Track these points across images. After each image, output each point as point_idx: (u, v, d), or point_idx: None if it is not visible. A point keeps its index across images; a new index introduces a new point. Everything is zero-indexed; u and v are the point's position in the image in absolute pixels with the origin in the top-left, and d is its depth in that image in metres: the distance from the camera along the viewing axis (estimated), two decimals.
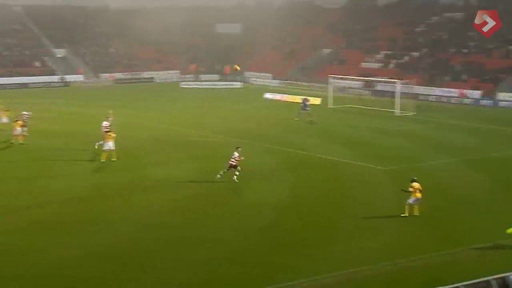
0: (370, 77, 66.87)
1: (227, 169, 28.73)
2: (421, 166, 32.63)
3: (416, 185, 24.01)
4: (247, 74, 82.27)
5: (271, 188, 28.22)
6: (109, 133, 33.18)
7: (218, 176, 28.78)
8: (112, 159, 32.79)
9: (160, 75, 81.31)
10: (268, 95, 64.32)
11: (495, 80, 61.40)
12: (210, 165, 32.78)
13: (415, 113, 51.77)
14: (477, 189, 27.88)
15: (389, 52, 75.03)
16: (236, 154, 28.80)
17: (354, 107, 53.66)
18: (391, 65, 72.37)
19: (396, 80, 56.08)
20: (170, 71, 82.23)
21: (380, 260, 19.78)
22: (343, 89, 68.37)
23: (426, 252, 20.39)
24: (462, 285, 16.76)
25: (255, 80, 79.53)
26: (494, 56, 65.82)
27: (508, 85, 59.95)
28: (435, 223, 23.55)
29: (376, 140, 40.21)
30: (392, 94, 56.77)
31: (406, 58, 72.39)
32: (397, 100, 52.32)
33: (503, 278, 17.39)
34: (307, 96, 52.39)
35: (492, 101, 58.29)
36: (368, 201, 26.23)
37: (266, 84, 76.75)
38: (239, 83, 76.64)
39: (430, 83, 62.83)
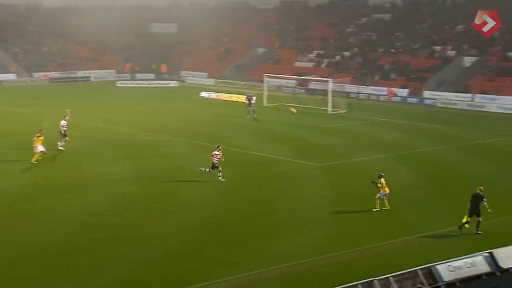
0: (303, 76, 67.70)
1: (212, 169, 28.67)
2: (353, 162, 33.37)
3: (383, 180, 24.69)
4: (183, 73, 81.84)
5: (208, 186, 28.24)
6: (39, 137, 32.25)
7: (202, 169, 28.84)
8: (33, 161, 31.72)
9: (96, 74, 79.89)
10: (204, 94, 64.19)
11: (421, 79, 63.28)
12: (147, 164, 32.51)
13: (346, 110, 52.80)
14: (405, 183, 28.73)
15: (321, 51, 76.15)
16: (216, 152, 28.89)
17: (289, 105, 54.19)
18: (324, 64, 73.47)
19: (328, 79, 56.99)
20: (106, 70, 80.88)
21: (315, 254, 20.15)
22: (278, 87, 68.95)
23: (358, 245, 20.90)
24: (391, 276, 17.29)
25: (191, 79, 79.21)
26: (419, 56, 67.78)
27: (433, 84, 61.88)
28: (366, 216, 24.15)
29: (310, 137, 40.79)
30: (325, 92, 57.64)
31: (338, 57, 73.65)
32: (330, 98, 53.23)
33: (429, 268, 18.07)
34: (251, 94, 52.39)
35: (418, 99, 60.04)
36: (304, 196, 26.65)
37: (202, 83, 76.51)
38: (175, 82, 76.19)
39: (361, 81, 64.11)
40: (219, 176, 28.77)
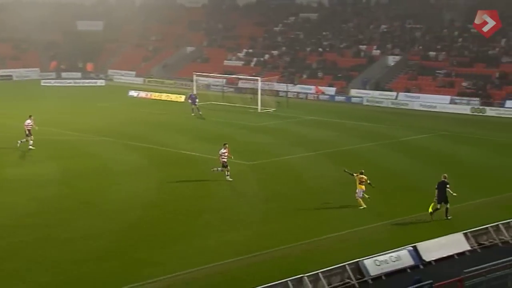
0: (232, 74, 67.80)
1: (222, 168, 28.73)
2: (282, 160, 33.74)
3: (363, 177, 25.22)
4: (110, 72, 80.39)
5: (137, 186, 27.93)
6: None
7: (214, 169, 29.04)
8: None
9: (18, 73, 77.21)
10: (132, 93, 63.32)
11: (348, 78, 64.53)
12: (74, 164, 31.83)
13: (275, 109, 53.29)
14: (332, 181, 29.28)
15: (250, 50, 76.46)
16: (223, 150, 29.01)
17: (219, 104, 54.20)
18: (253, 63, 73.78)
19: (257, 78, 57.30)
20: (30, 69, 78.29)
21: (246, 252, 20.26)
22: (207, 86, 68.76)
23: (288, 242, 21.16)
24: (320, 272, 17.60)
25: (118, 78, 77.92)
26: (346, 55, 69.09)
27: (359, 82, 63.21)
28: (295, 214, 24.48)
29: (240, 136, 40.96)
30: (254, 91, 57.91)
31: (267, 56, 74.13)
32: (259, 97, 53.57)
33: (356, 263, 18.51)
34: (194, 93, 52.27)
35: (345, 97, 61.22)
36: (234, 195, 26.74)
37: (130, 82, 75.37)
38: (102, 81, 74.78)
39: (289, 80, 64.76)
40: (227, 175, 28.69)
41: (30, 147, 34.99)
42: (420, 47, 64.96)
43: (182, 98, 59.93)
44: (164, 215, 24.21)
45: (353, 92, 61.77)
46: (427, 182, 29.14)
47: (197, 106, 49.37)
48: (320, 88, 63.82)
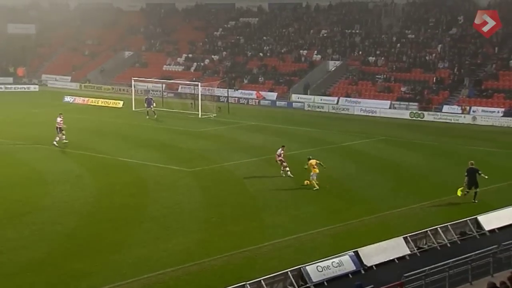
0: (172, 79, 67.40)
1: (282, 169, 30.78)
2: (224, 166, 33.74)
3: (313, 161, 28.42)
4: (44, 76, 78.67)
5: (73, 195, 27.39)
6: None
7: (288, 173, 30.74)
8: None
9: None
10: (68, 99, 62.11)
11: (289, 83, 65.11)
12: (4, 173, 30.95)
13: (216, 114, 53.30)
14: (273, 186, 29.47)
15: (190, 55, 76.21)
16: (280, 150, 31.27)
17: (158, 110, 53.76)
18: (192, 68, 73.54)
19: (197, 83, 57.17)
20: None
21: (186, 261, 20.12)
22: (146, 92, 68.08)
23: (229, 250, 21.13)
24: (262, 279, 17.64)
25: (52, 83, 76.31)
26: (287, 60, 69.71)
27: (300, 87, 63.87)
28: (237, 221, 24.51)
29: (180, 142, 40.74)
30: (194, 96, 57.76)
31: (207, 61, 74.05)
32: (199, 103, 53.44)
33: (299, 269, 18.66)
34: (151, 96, 52.51)
35: (286, 103, 61.75)
36: (175, 203, 26.55)
37: (65, 87, 74.00)
38: (35, 86, 73.11)
39: (230, 85, 64.85)
40: (288, 172, 30.72)
41: (65, 141, 38.97)
42: (360, 53, 66.23)
43: (120, 104, 59.14)
44: (101, 224, 23.79)
45: (294, 97, 62.38)
46: (367, 186, 29.69)
47: (153, 109, 50.05)
48: (261, 93, 64.20)
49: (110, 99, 61.80)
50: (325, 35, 71.19)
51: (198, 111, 53.05)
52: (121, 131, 44.90)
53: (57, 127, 39.07)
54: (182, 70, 73.89)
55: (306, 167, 28.80)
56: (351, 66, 65.20)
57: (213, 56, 74.43)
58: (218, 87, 64.31)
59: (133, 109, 55.04)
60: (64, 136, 39.05)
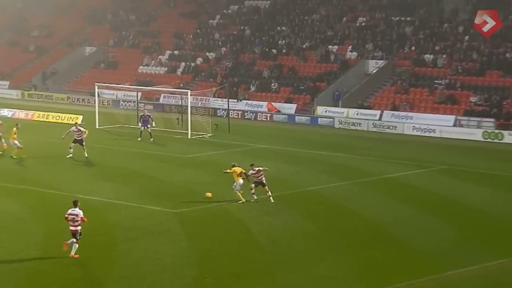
0: (151, 85, 67.85)
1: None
2: (220, 206, 33.83)
3: (237, 169, 31.77)
4: None
5: (13, 246, 27.57)
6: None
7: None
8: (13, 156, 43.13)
9: None
10: (5, 112, 62.59)
11: (313, 90, 65.21)
12: None
13: (212, 134, 53.49)
14: (290, 233, 29.56)
15: (176, 52, 76.77)
16: (252, 171, 34.43)
17: (131, 128, 54.06)
18: (180, 70, 74.03)
19: (186, 90, 57.52)
20: None
21: None
22: (115, 102, 68.64)
23: None
24: None
25: None
26: (310, 58, 69.97)
27: (328, 97, 63.92)
28: (237, 282, 24.62)
29: (162, 172, 40.90)
30: (181, 109, 58.07)
31: (199, 60, 74.51)
32: (189, 118, 53.71)
33: None
34: (147, 112, 53.42)
35: (309, 118, 61.86)
36: (154, 256, 26.62)
37: (1, 95, 74.64)
38: None
39: (231, 94, 65.09)
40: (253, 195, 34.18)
41: (85, 154, 44.57)
42: (412, 48, 66.39)
43: (78, 120, 59.50)
44: (51, 285, 23.95)
45: (320, 110, 62.56)
46: (420, 235, 29.73)
47: (150, 130, 50.87)
48: (274, 105, 64.46)
49: (64, 112, 62.20)
50: (363, 24, 71.54)
51: (187, 130, 53.30)
52: (80, 157, 45.13)
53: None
54: (165, 73, 74.45)
55: (227, 171, 32.47)
56: (400, 67, 65.40)
57: (207, 54, 74.98)
58: (214, 97, 64.67)
59: (97, 126, 55.34)
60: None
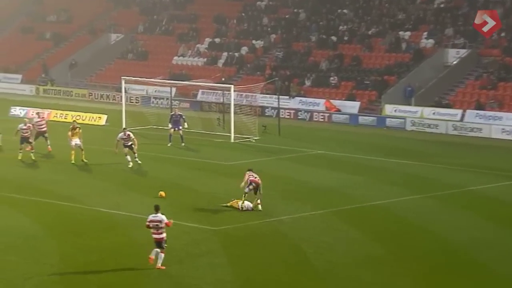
0: (187, 80, 68.06)
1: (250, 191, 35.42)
2: (267, 223, 33.78)
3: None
4: None
5: (24, 270, 27.83)
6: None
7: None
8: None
9: None
10: (17, 111, 63.23)
11: (380, 86, 64.93)
12: None
13: (258, 137, 53.48)
14: (353, 258, 29.43)
15: (216, 39, 76.96)
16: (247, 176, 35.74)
17: (164, 129, 54.29)
18: (221, 61, 74.22)
19: (229, 86, 57.60)
20: None
21: None
22: (145, 100, 68.96)
23: None
24: None
25: None
26: (376, 47, 69.65)
27: (397, 94, 63.60)
28: None
29: (198, 183, 40.96)
30: (223, 107, 58.12)
31: (244, 50, 74.62)
32: (232, 118, 53.77)
33: None
34: (178, 110, 53.62)
35: (375, 118, 61.62)
36: (190, 282, 26.70)
37: (12, 91, 75.47)
38: None
39: (282, 89, 65.06)
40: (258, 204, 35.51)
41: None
42: (502, 34, 65.76)
43: (102, 120, 59.99)
44: None
45: (389, 109, 62.32)
46: (507, 261, 29.34)
47: (182, 132, 51.04)
48: (334, 102, 64.32)
49: (85, 111, 62.66)
50: (442, 5, 71.07)
51: (230, 132, 53.38)
52: (102, 165, 45.39)
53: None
54: (204, 65, 74.73)
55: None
56: (486, 57, 64.87)
57: (254, 42, 75.08)
58: (262, 93, 64.63)
59: (123, 127, 55.64)
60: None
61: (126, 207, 35.96)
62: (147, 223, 27.88)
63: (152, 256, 27.53)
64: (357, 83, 66.35)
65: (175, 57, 76.62)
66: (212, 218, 34.31)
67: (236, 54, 74.07)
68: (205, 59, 75.24)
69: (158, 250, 27.45)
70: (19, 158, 45.96)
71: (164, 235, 27.61)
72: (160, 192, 36.98)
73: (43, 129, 48.20)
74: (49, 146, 47.47)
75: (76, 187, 39.65)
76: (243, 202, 35.32)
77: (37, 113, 51.57)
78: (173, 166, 45.37)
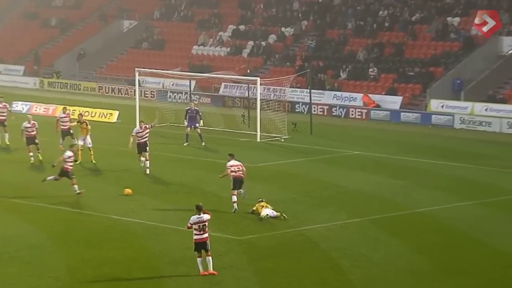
0: (209, 71, 68.14)
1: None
2: (299, 232, 33.75)
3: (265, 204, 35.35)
4: None
5: (27, 283, 27.97)
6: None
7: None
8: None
9: None
10: (19, 106, 63.51)
11: (425, 78, 64.71)
12: None
13: (288, 136, 53.45)
14: (394, 270, 29.40)
15: (241, 27, 76.99)
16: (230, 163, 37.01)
17: (181, 127, 54.35)
18: (246, 51, 74.23)
19: (254, 78, 57.60)
20: None
21: None
22: (161, 94, 69.03)
23: None
24: None
25: None
26: (421, 35, 69.36)
27: (445, 87, 63.43)
28: None
29: (220, 187, 40.77)
30: (249, 102, 58.14)
31: (272, 38, 74.62)
32: (258, 114, 53.76)
33: None
34: (194, 104, 54.01)
35: (419, 115, 61.47)
36: None
37: (14, 84, 75.84)
38: None
39: (315, 83, 65.03)
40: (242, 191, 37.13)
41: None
42: None
43: (113, 116, 60.15)
44: None
45: (435, 104, 62.16)
46: None
47: (200, 130, 51.40)
48: (372, 97, 64.22)
49: (95, 107, 62.85)
50: None
51: (256, 131, 53.41)
52: (113, 166, 45.52)
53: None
54: (227, 55, 74.78)
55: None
56: None
57: (283, 30, 75.01)
58: (292, 87, 64.60)
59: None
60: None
61: (140, 215, 36.03)
62: (189, 225, 28.38)
63: (202, 269, 27.95)
64: (399, 76, 66.18)
65: (195, 47, 76.73)
66: (236, 227, 34.33)
67: (263, 43, 74.05)
68: (228, 49, 75.26)
69: (201, 258, 28.05)
70: (31, 162, 46.20)
71: (207, 235, 28.15)
72: (126, 189, 37.57)
73: (66, 127, 48.29)
74: (61, 146, 47.36)
75: (85, 192, 39.74)
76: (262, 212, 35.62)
77: (64, 108, 50.94)
78: (192, 168, 45.45)
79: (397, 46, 68.57)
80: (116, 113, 60.17)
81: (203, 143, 51.04)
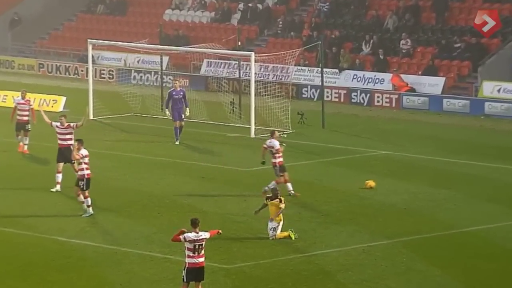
0: (186, 44, 68.36)
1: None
2: (305, 259, 33.93)
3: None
4: None
5: None
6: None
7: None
8: None
9: None
10: None
11: (474, 56, 64.80)
12: None
13: (293, 130, 53.67)
14: None
15: None
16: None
17: (150, 118, 54.51)
18: (236, 17, 74.48)
19: (247, 53, 57.87)
20: None
21: None
22: (123, 74, 69.08)
23: None
24: None
25: None
26: (466, 8, 69.40)
27: (500, 67, 63.56)
28: None
29: (203, 199, 41.19)
30: (239, 85, 58.34)
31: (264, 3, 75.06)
32: (252, 102, 53.98)
33: None
34: (178, 82, 53.78)
35: (467, 101, 61.69)
36: None
37: None
38: None
39: (329, 61, 65.22)
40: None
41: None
42: None
43: (59, 104, 60.24)
44: None
45: (488, 88, 62.38)
46: None
47: (183, 122, 51.81)
48: (405, 79, 64.43)
49: (34, 91, 62.94)
50: None
51: (249, 123, 53.61)
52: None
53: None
54: (211, 22, 74.98)
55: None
56: None
57: None
58: (298, 64, 64.82)
59: (91, 116, 55.77)
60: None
61: (94, 237, 36.16)
62: (181, 239, 28.18)
63: None
64: (441, 49, 66.47)
65: (168, 11, 77.01)
66: (224, 252, 34.36)
67: (259, 5, 74.24)
68: (213, 14, 75.50)
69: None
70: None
71: (204, 259, 28.21)
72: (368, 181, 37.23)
73: (24, 119, 48.12)
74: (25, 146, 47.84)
75: (21, 207, 39.82)
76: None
77: (23, 92, 50.08)
78: (166, 174, 45.58)
79: (438, 9, 68.82)
80: (62, 100, 60.25)
81: (177, 142, 51.39)
